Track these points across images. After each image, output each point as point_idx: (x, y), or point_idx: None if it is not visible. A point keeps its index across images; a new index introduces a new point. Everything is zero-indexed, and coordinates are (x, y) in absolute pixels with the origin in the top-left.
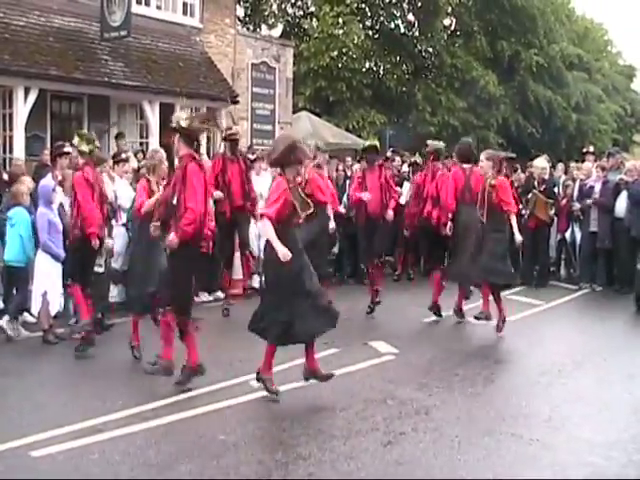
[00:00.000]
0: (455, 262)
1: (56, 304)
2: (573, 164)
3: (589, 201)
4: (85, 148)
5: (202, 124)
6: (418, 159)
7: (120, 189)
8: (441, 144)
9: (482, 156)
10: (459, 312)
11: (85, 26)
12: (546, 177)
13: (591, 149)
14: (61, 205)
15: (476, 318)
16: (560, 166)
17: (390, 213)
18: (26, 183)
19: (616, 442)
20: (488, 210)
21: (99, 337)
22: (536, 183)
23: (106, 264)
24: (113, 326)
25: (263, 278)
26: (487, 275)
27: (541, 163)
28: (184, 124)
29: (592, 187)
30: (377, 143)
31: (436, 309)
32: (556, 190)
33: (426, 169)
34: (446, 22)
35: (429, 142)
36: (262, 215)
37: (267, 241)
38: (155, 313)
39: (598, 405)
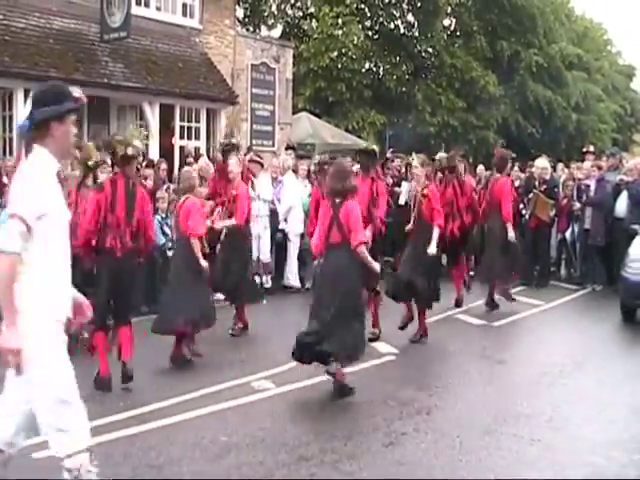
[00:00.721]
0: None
1: None
2: (574, 165)
3: (579, 204)
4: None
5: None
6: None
7: None
8: (448, 154)
9: (416, 162)
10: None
11: (85, 28)
12: (547, 177)
13: (591, 149)
14: None
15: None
16: (560, 166)
17: (367, 234)
18: None
19: (617, 442)
20: (418, 220)
21: None
22: (537, 183)
23: None
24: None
25: None
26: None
27: (542, 163)
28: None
29: (588, 186)
30: (375, 148)
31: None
32: (556, 190)
33: (444, 183)
34: (446, 22)
35: (440, 156)
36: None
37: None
38: None
39: (599, 405)
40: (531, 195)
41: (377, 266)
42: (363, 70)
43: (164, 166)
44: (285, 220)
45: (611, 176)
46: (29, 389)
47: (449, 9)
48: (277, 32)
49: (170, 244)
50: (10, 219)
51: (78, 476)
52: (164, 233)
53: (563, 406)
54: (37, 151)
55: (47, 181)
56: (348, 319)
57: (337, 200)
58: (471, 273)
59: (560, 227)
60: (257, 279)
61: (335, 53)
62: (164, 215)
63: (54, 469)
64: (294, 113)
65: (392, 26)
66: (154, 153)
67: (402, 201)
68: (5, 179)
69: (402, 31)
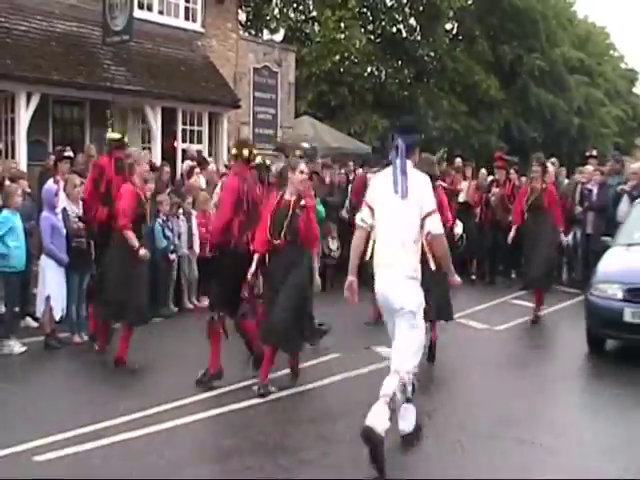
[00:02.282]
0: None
1: (59, 309)
2: (577, 169)
3: (580, 208)
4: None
5: None
6: None
7: None
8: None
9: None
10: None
11: (87, 31)
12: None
13: (594, 153)
14: (64, 209)
15: None
16: (563, 170)
17: None
18: (20, 184)
19: (618, 447)
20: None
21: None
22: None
23: None
24: (115, 331)
25: None
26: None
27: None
28: None
29: (590, 190)
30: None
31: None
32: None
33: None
34: (448, 26)
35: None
36: None
37: None
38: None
39: (601, 409)
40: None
41: None
42: (365, 74)
43: (167, 169)
44: None
45: (613, 180)
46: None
47: (451, 13)
48: (279, 36)
49: (172, 247)
50: (434, 214)
51: (405, 384)
52: (165, 236)
53: (566, 410)
54: (410, 164)
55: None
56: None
57: None
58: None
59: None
60: None
61: (337, 57)
62: (165, 218)
63: (56, 473)
64: (296, 117)
65: (394, 30)
66: (156, 156)
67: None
68: (7, 182)
69: (404, 35)
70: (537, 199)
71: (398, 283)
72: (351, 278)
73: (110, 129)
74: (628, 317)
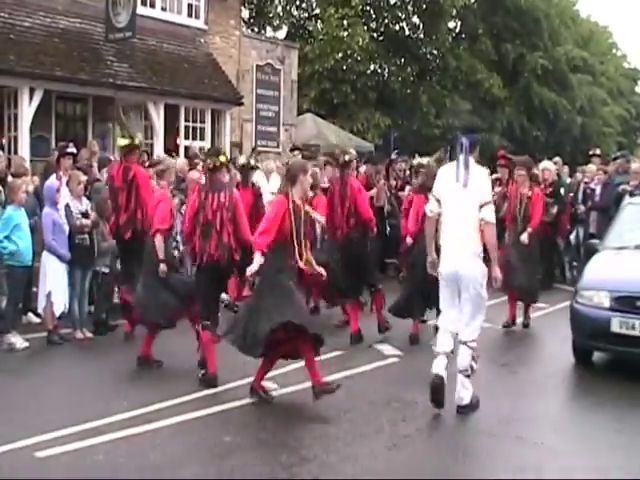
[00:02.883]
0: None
1: (61, 305)
2: (579, 168)
3: (583, 207)
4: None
5: None
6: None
7: None
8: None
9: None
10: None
11: (90, 27)
12: (548, 177)
13: (597, 152)
14: (67, 206)
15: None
16: (565, 169)
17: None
18: (25, 180)
19: (621, 445)
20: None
21: (104, 338)
22: (543, 185)
23: (111, 265)
24: (118, 327)
25: None
26: None
27: (544, 164)
28: None
29: (593, 190)
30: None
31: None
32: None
33: None
34: (451, 25)
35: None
36: None
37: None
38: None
39: (604, 407)
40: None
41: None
42: (368, 72)
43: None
44: None
45: (619, 179)
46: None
47: (454, 11)
48: (282, 33)
49: (174, 245)
50: (489, 204)
51: (473, 352)
52: None
53: (567, 409)
54: (473, 160)
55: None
56: None
57: None
58: None
59: (562, 230)
60: None
61: (340, 55)
62: None
63: (58, 469)
64: (299, 114)
65: (397, 28)
66: (159, 153)
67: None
68: (10, 178)
69: (407, 33)
70: (525, 208)
71: (466, 260)
72: (430, 258)
73: (121, 129)
74: (616, 327)
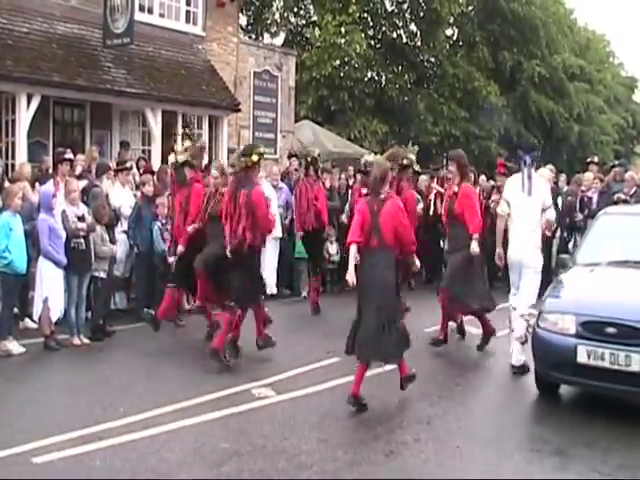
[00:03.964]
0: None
1: (57, 310)
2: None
3: (581, 215)
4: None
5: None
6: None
7: (122, 197)
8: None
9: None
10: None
11: (88, 33)
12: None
13: (595, 159)
14: (64, 211)
15: None
16: (563, 177)
17: None
18: (21, 185)
19: (621, 446)
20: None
21: (101, 344)
22: None
23: (109, 271)
24: (115, 332)
25: None
26: None
27: (540, 171)
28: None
29: (590, 198)
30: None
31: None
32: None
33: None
34: (448, 32)
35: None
36: None
37: None
38: None
39: (601, 413)
40: None
41: None
42: (365, 79)
43: (168, 172)
44: None
45: (617, 187)
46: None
47: (452, 19)
48: (280, 40)
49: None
50: (551, 208)
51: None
52: (164, 239)
53: (567, 415)
54: (534, 172)
55: None
56: None
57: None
58: None
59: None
60: None
61: (338, 62)
62: (164, 221)
63: (55, 475)
64: (296, 121)
65: (395, 35)
66: (156, 159)
67: None
68: (7, 183)
69: (405, 40)
70: (451, 206)
71: (529, 251)
72: (499, 250)
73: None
74: (582, 357)
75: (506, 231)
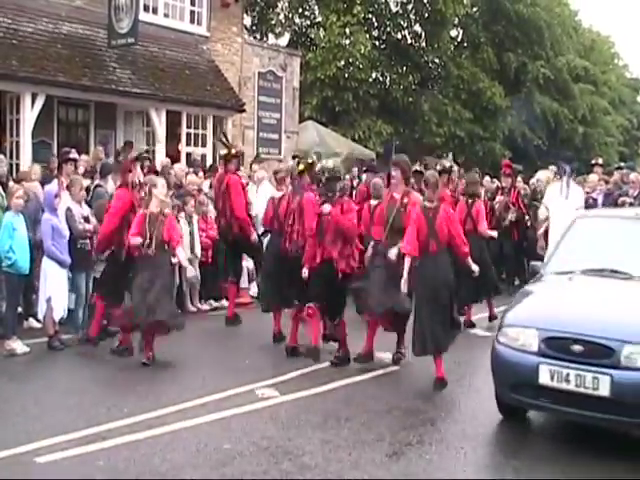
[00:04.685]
0: None
1: (60, 310)
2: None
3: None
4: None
5: None
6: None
7: None
8: None
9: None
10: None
11: (93, 33)
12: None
13: (600, 161)
14: (69, 209)
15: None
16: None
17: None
18: (24, 186)
19: (617, 447)
20: None
21: (104, 343)
22: (539, 196)
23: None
24: (118, 333)
25: None
26: None
27: (538, 175)
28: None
29: (595, 200)
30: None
31: None
32: None
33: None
34: (453, 33)
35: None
36: None
37: None
38: None
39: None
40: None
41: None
42: (370, 80)
43: (173, 172)
44: None
45: (623, 189)
46: None
47: (456, 20)
48: (284, 40)
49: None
50: (582, 208)
51: None
52: None
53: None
54: (572, 180)
55: None
56: None
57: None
58: None
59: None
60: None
61: (342, 62)
62: None
63: (59, 475)
64: (300, 121)
65: (399, 36)
66: (160, 160)
67: None
68: (11, 183)
69: (409, 41)
70: (395, 219)
71: None
72: (541, 243)
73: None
74: (544, 378)
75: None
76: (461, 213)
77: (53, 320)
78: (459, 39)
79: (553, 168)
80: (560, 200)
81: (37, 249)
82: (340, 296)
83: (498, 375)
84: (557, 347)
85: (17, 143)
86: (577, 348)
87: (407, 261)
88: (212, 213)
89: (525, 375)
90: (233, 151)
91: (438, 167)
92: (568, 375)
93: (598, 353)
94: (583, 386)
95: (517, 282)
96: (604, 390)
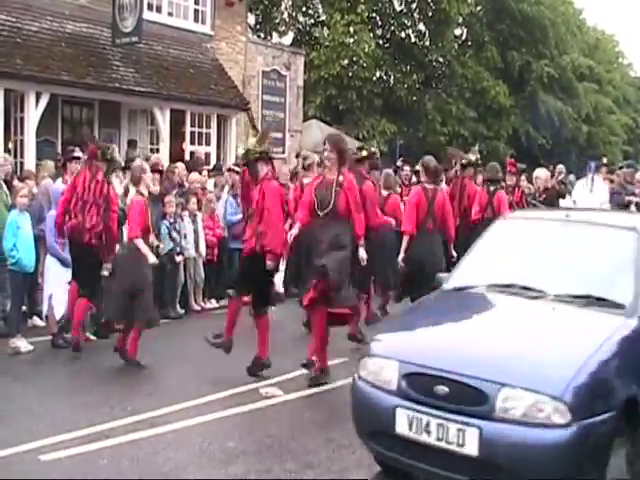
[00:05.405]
0: None
1: (61, 308)
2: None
3: None
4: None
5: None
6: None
7: (131, 195)
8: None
9: None
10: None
11: (97, 32)
12: (543, 186)
13: (604, 160)
14: None
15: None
16: (571, 177)
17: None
18: (28, 185)
19: None
20: None
21: (108, 341)
22: (537, 194)
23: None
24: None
25: None
26: None
27: (537, 172)
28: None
29: None
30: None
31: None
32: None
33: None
34: (457, 32)
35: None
36: None
37: None
38: None
39: None
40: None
41: None
42: (374, 78)
43: (178, 171)
44: None
45: (629, 188)
46: None
47: (460, 19)
48: (288, 39)
49: (179, 249)
50: (607, 202)
51: None
52: (172, 238)
53: None
54: (597, 176)
55: None
56: None
57: None
58: None
59: None
60: None
61: (346, 61)
62: (172, 220)
63: (62, 473)
64: (304, 120)
65: (403, 35)
66: (164, 158)
67: None
68: (16, 181)
69: (413, 40)
70: (327, 199)
71: None
72: None
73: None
74: (402, 426)
75: None
76: (481, 200)
77: (55, 318)
78: (463, 38)
79: (560, 167)
80: (585, 193)
81: (42, 247)
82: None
83: (356, 418)
84: (419, 386)
85: (21, 142)
86: (442, 389)
87: (405, 239)
88: (220, 211)
89: (381, 421)
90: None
91: (463, 161)
92: (429, 424)
93: (467, 397)
94: (446, 440)
95: None
96: (471, 447)
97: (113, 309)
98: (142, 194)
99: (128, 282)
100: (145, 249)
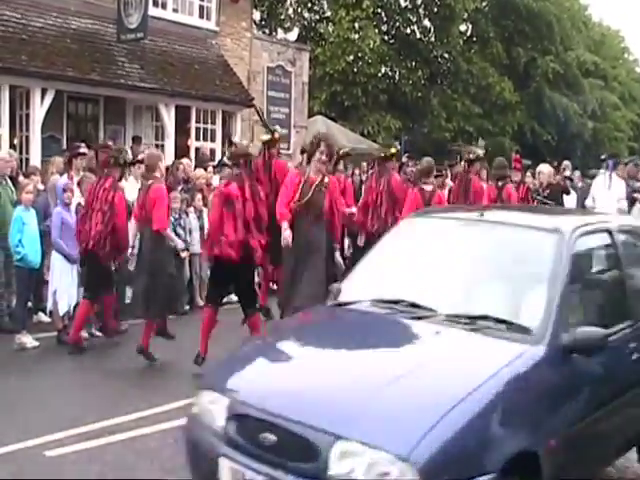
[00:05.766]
0: None
1: (65, 304)
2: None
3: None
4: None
5: None
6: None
7: (136, 191)
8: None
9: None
10: None
11: (102, 28)
12: (552, 181)
13: (622, 159)
14: (79, 205)
15: None
16: (577, 174)
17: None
18: (33, 181)
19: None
20: None
21: (114, 339)
22: (541, 190)
23: (120, 266)
24: (128, 327)
25: None
26: None
27: (540, 168)
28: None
29: None
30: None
31: None
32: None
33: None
34: (462, 28)
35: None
36: None
37: None
38: None
39: None
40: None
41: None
42: (379, 74)
43: (182, 167)
44: None
45: (633, 185)
46: None
47: (465, 15)
48: (293, 35)
49: (184, 244)
50: (623, 199)
51: None
52: (177, 234)
53: None
54: (614, 174)
55: None
56: None
57: None
58: None
59: None
60: None
61: (351, 57)
62: (177, 216)
63: (68, 469)
64: (309, 116)
65: (408, 31)
66: (169, 154)
67: None
68: (21, 178)
69: (418, 36)
70: (311, 196)
71: None
72: None
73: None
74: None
75: None
76: (490, 195)
77: (59, 314)
78: (468, 34)
79: (566, 163)
80: (603, 190)
81: (48, 243)
82: None
83: (188, 463)
84: (246, 432)
85: (27, 138)
86: (269, 438)
87: None
88: None
89: (206, 472)
90: (276, 135)
91: (470, 155)
92: None
93: (296, 451)
94: None
95: None
96: None
97: (157, 307)
98: (160, 181)
99: (151, 274)
100: (176, 239)
